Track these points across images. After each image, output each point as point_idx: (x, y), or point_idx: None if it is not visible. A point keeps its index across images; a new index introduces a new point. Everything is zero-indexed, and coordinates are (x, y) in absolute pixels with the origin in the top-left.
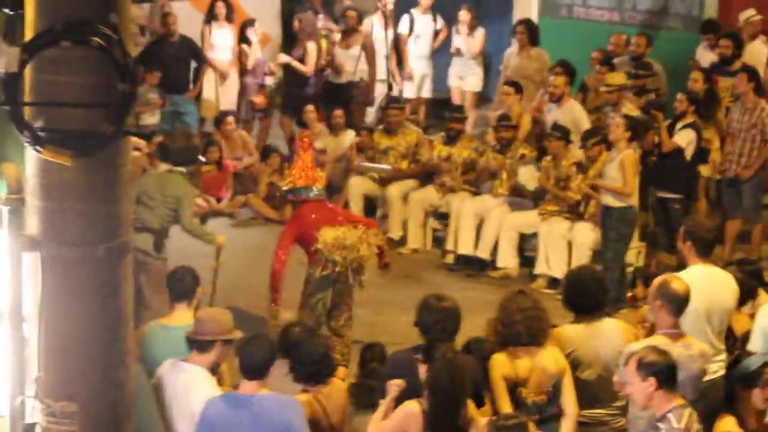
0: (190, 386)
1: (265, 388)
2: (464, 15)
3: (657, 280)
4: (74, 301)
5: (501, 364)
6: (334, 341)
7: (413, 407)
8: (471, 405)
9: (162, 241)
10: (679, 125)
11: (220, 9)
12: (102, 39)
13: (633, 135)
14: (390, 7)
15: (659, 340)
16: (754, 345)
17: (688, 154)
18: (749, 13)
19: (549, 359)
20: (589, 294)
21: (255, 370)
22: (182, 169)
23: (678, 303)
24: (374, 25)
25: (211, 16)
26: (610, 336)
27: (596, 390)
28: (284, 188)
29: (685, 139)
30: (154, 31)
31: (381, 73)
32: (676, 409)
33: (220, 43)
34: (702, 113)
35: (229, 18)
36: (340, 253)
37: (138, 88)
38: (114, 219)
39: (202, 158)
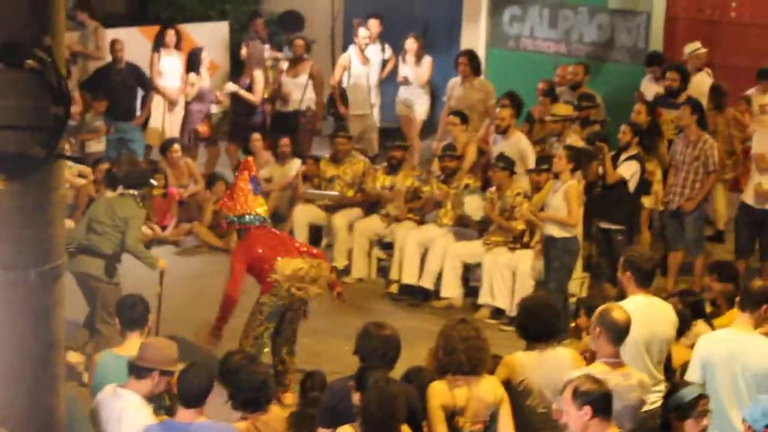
0: (124, 413)
1: (203, 416)
2: (411, 44)
3: (599, 309)
4: (5, 325)
5: (439, 393)
6: (282, 368)
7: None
8: (406, 429)
9: (114, 266)
10: (623, 157)
11: (171, 37)
12: (36, 61)
13: (576, 165)
14: (366, 41)
15: (598, 368)
16: (691, 375)
17: (632, 185)
18: (694, 46)
19: (487, 389)
20: (542, 321)
21: (193, 398)
22: (134, 192)
23: (617, 332)
24: (352, 59)
25: (159, 44)
26: (561, 365)
27: (546, 419)
28: (231, 216)
29: (629, 170)
30: (87, 55)
31: (360, 108)
32: None
33: (169, 70)
34: (645, 145)
35: (178, 46)
36: (299, 285)
37: (85, 115)
38: (46, 243)
39: (153, 181)
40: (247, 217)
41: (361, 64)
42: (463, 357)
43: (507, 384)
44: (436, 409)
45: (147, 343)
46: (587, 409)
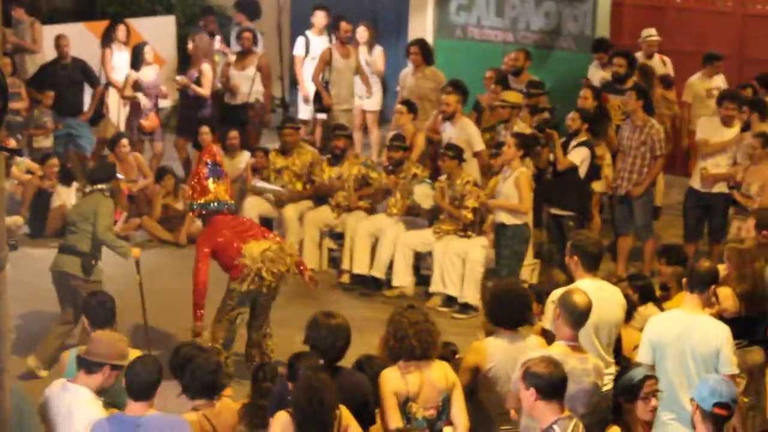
0: (74, 407)
1: (152, 409)
2: (363, 32)
3: (560, 291)
4: None
5: (391, 380)
6: (254, 353)
7: (284, 416)
8: (347, 415)
9: (91, 264)
10: (573, 143)
11: (122, 32)
12: None
13: (525, 153)
14: (349, 34)
15: (558, 350)
16: (641, 356)
17: (582, 171)
18: (649, 32)
19: (439, 374)
20: (512, 309)
21: (142, 391)
22: (103, 186)
23: (577, 315)
24: (333, 54)
25: (109, 39)
26: (530, 352)
27: None
28: (199, 202)
29: (579, 157)
30: (24, 49)
31: (346, 102)
32: (561, 421)
33: (120, 65)
34: (594, 130)
35: (127, 41)
36: (268, 266)
37: (32, 111)
38: None
39: (119, 174)
40: (211, 204)
41: (343, 58)
42: (414, 342)
43: (476, 370)
44: (389, 396)
45: (98, 338)
46: (532, 391)
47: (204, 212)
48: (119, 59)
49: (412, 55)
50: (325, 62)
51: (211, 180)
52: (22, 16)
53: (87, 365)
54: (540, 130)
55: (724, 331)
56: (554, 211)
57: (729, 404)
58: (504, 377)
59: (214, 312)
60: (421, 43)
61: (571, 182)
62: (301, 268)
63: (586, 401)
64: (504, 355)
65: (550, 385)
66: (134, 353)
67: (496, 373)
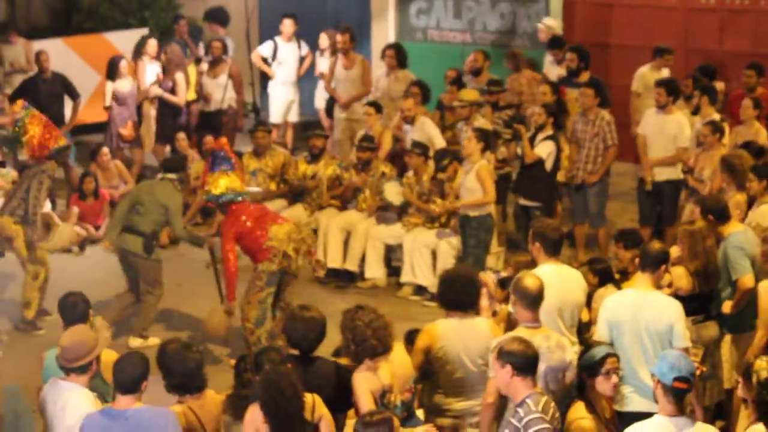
0: (67, 403)
1: (139, 402)
2: (325, 40)
3: (514, 279)
4: None
5: (364, 380)
6: (277, 331)
7: (255, 408)
8: (320, 404)
9: (151, 244)
10: (539, 137)
11: (152, 46)
12: None
13: (485, 146)
14: (340, 45)
15: (521, 332)
16: (599, 335)
17: (549, 164)
18: (549, 21)
19: (402, 359)
20: (460, 291)
21: (128, 386)
22: (173, 176)
23: (531, 297)
24: (337, 65)
25: (139, 53)
26: (480, 333)
27: (465, 384)
28: (215, 193)
29: (545, 150)
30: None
31: (354, 112)
32: (534, 395)
33: (151, 77)
34: (557, 124)
35: (157, 55)
36: (293, 245)
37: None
38: None
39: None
40: (225, 195)
41: (345, 69)
42: (374, 341)
43: (428, 351)
44: (365, 395)
45: (66, 345)
46: (509, 368)
47: (221, 202)
48: (150, 72)
49: (388, 58)
50: (332, 73)
51: (222, 171)
52: (17, 39)
53: (75, 370)
54: (508, 126)
55: (675, 306)
56: (522, 201)
57: (688, 378)
58: (453, 356)
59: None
60: (396, 47)
61: (538, 175)
62: (311, 251)
63: (556, 377)
64: (453, 335)
65: (525, 361)
66: (110, 355)
67: (446, 352)
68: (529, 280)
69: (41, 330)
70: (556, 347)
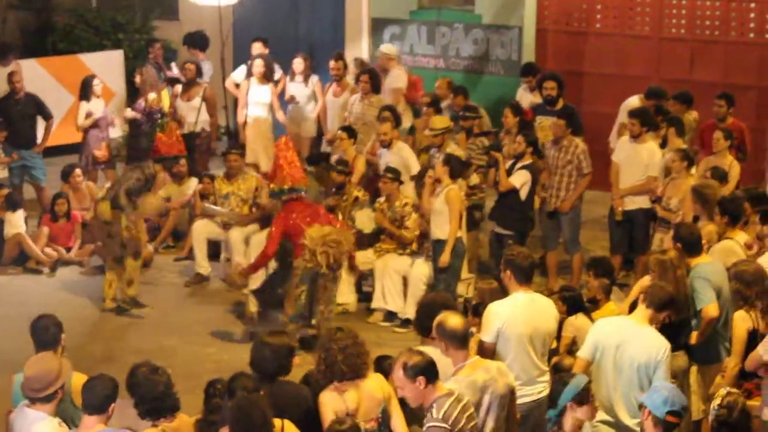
0: (33, 428)
1: (103, 424)
2: (298, 64)
3: (435, 321)
4: None
5: (330, 400)
6: (316, 333)
7: None
8: (289, 427)
9: None
10: (517, 166)
11: (258, 67)
12: None
13: (452, 171)
14: (339, 72)
15: (463, 373)
16: (582, 352)
17: (523, 194)
18: (386, 48)
19: (374, 387)
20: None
21: (96, 405)
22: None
23: (459, 337)
24: (328, 93)
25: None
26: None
27: None
28: (275, 190)
29: (520, 180)
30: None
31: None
32: (438, 399)
33: (259, 99)
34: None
35: (267, 77)
36: (324, 248)
37: None
38: None
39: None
40: (290, 190)
41: (334, 96)
42: (343, 367)
43: None
44: (329, 415)
45: (30, 375)
46: (421, 379)
47: (285, 198)
48: (257, 94)
49: (362, 83)
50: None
51: (283, 170)
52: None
53: (41, 400)
54: (486, 153)
55: (666, 347)
56: (496, 229)
57: (680, 412)
58: None
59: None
60: (371, 72)
61: (512, 204)
62: (351, 256)
63: (502, 403)
64: None
65: (432, 368)
66: (81, 378)
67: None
68: (453, 319)
69: (146, 306)
70: (498, 375)
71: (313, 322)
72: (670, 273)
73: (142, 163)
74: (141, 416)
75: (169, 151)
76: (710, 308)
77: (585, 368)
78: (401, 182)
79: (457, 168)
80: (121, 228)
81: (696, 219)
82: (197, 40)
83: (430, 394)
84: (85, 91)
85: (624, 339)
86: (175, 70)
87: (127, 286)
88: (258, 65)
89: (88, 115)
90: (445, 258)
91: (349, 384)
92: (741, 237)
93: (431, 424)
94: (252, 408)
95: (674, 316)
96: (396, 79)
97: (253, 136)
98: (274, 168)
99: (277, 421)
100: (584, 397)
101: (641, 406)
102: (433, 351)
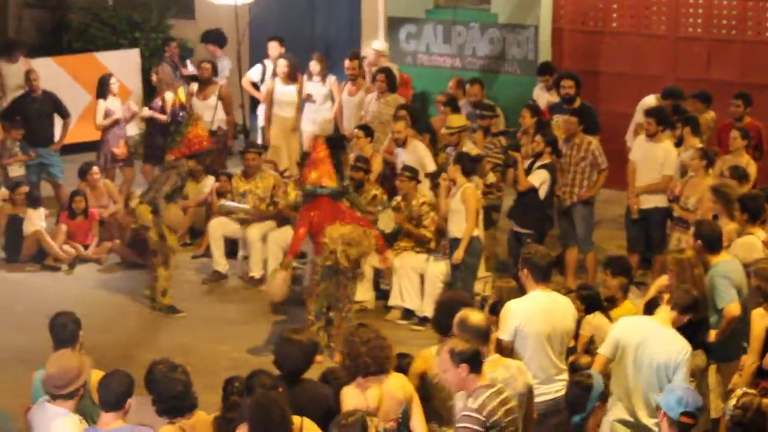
0: (52, 426)
1: (122, 421)
2: (315, 66)
3: (456, 319)
4: None
5: (351, 397)
6: (335, 331)
7: (243, 430)
8: (309, 427)
9: None
10: (536, 165)
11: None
12: None
13: (464, 169)
14: (354, 72)
15: (488, 368)
16: (603, 349)
17: (542, 193)
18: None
19: (396, 386)
20: (454, 317)
21: (112, 402)
22: None
23: (481, 334)
24: (343, 92)
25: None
26: None
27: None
28: (307, 188)
29: (538, 179)
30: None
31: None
32: (478, 389)
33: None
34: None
35: (291, 76)
36: (343, 247)
37: (5, 142)
38: None
39: None
40: (316, 189)
41: (349, 95)
42: (368, 359)
43: (422, 376)
44: None
45: (52, 374)
46: (464, 366)
47: (305, 195)
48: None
49: (378, 82)
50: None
51: (312, 167)
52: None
53: (62, 397)
54: (504, 153)
55: (686, 350)
56: (515, 228)
57: (695, 413)
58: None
59: None
60: (387, 71)
61: (531, 203)
62: (382, 249)
63: (521, 401)
64: None
65: (477, 357)
66: (99, 375)
67: (441, 379)
68: (474, 317)
69: (182, 312)
70: (518, 373)
71: (331, 314)
72: (688, 272)
73: (176, 164)
74: (158, 414)
75: (202, 146)
76: (732, 307)
77: (605, 365)
78: (419, 181)
79: (468, 165)
80: (156, 234)
81: (715, 218)
82: (215, 37)
83: (471, 382)
84: (103, 90)
85: (645, 338)
86: (190, 68)
87: (161, 296)
88: (282, 65)
89: (107, 113)
90: (458, 255)
91: (372, 380)
92: (760, 234)
93: (466, 412)
94: (271, 405)
95: (693, 315)
96: None
97: (277, 135)
98: (309, 165)
99: (296, 419)
100: (607, 396)
101: (658, 407)
102: None
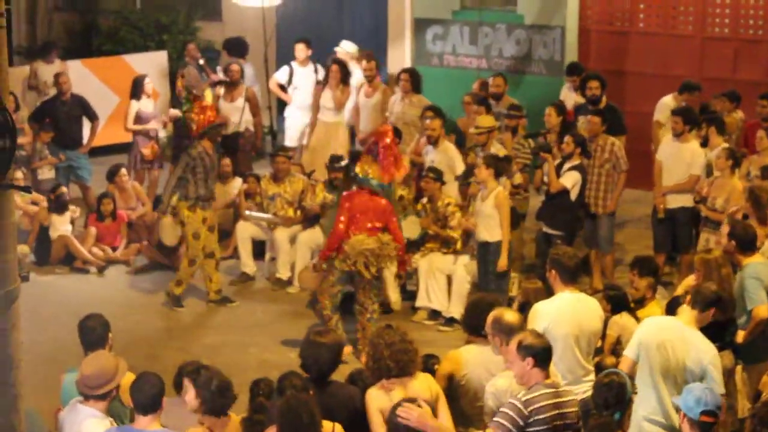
0: (84, 429)
1: (158, 423)
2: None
3: (489, 318)
4: None
5: (376, 398)
6: (361, 335)
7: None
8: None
9: None
10: (566, 166)
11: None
12: None
13: (495, 171)
14: (366, 73)
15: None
16: (628, 351)
17: (573, 195)
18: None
19: (422, 387)
20: (485, 318)
21: (147, 405)
22: None
23: (515, 332)
24: (360, 93)
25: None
26: (496, 360)
27: (481, 412)
28: (359, 176)
29: (570, 180)
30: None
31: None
32: (536, 385)
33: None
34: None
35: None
36: (363, 258)
37: (35, 145)
38: (0, 269)
39: None
40: (358, 176)
41: (366, 97)
42: (390, 362)
43: (450, 377)
44: (375, 414)
45: (87, 374)
46: (529, 360)
47: (353, 179)
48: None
49: (402, 82)
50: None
51: (367, 158)
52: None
53: (95, 398)
54: (534, 154)
55: (713, 351)
56: (545, 229)
57: (715, 411)
58: (476, 383)
59: None
60: (411, 71)
61: (562, 204)
62: (403, 259)
63: None
64: (478, 363)
65: (545, 353)
66: (129, 377)
67: (469, 380)
68: (509, 315)
69: (183, 307)
70: (552, 375)
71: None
72: (715, 272)
73: (181, 156)
74: (204, 412)
75: (209, 121)
76: (762, 309)
77: (631, 367)
78: (443, 182)
79: (498, 166)
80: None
81: (745, 217)
82: (236, 47)
83: (534, 376)
84: (136, 90)
85: (668, 339)
86: (220, 74)
87: (176, 285)
88: (335, 70)
89: (139, 114)
90: (503, 262)
91: (396, 382)
92: None
93: (513, 401)
94: (301, 407)
95: (720, 315)
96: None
97: (320, 139)
98: (370, 152)
99: (327, 424)
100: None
101: (678, 409)
102: (478, 350)
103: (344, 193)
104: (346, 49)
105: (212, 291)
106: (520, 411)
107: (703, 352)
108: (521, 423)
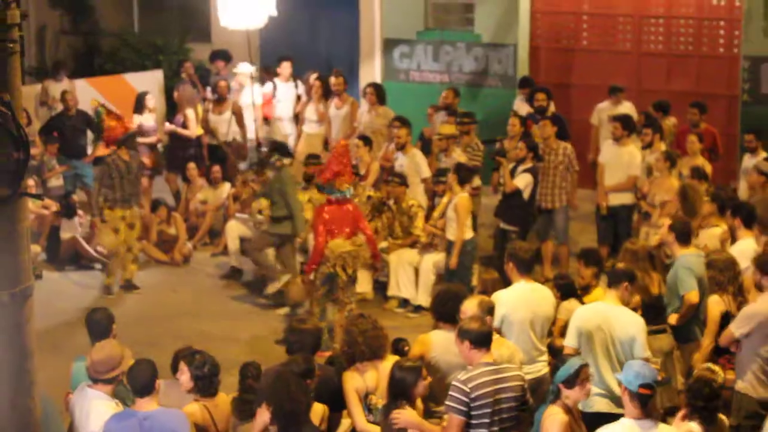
0: (92, 411)
1: (156, 403)
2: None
3: (459, 326)
4: None
5: (351, 379)
6: (336, 329)
7: (263, 410)
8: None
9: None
10: (519, 169)
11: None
12: None
13: (460, 179)
14: (335, 88)
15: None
16: (568, 341)
17: (526, 194)
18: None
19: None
20: (452, 306)
21: (142, 389)
22: (287, 160)
23: (482, 339)
24: (330, 106)
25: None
26: None
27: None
28: (324, 186)
29: (523, 181)
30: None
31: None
32: (477, 365)
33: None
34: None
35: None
36: (341, 261)
37: (42, 157)
38: (16, 268)
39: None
40: (332, 191)
41: (336, 108)
42: (363, 347)
43: (421, 359)
44: (351, 393)
45: (96, 359)
46: (467, 343)
47: (324, 192)
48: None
49: (368, 95)
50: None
51: (335, 172)
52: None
53: (102, 382)
54: (491, 158)
55: (638, 321)
56: (502, 225)
57: (652, 384)
58: (444, 365)
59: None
60: (375, 85)
61: (516, 203)
62: (376, 258)
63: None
64: (446, 347)
65: (481, 335)
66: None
67: (437, 362)
68: (474, 324)
69: (112, 295)
70: (515, 351)
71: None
72: (640, 261)
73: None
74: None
75: (122, 131)
76: (692, 295)
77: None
78: (407, 186)
79: (465, 175)
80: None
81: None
82: (221, 54)
83: (474, 357)
84: (139, 105)
85: (602, 321)
86: (209, 94)
87: (107, 276)
88: (317, 86)
89: (140, 127)
90: (453, 261)
91: (369, 365)
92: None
93: (455, 382)
94: (290, 377)
95: (644, 296)
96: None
97: (304, 149)
98: (327, 167)
99: (318, 406)
100: (572, 382)
101: (619, 383)
102: (445, 335)
103: (316, 208)
104: (243, 70)
105: (124, 278)
106: (462, 390)
107: (630, 324)
108: (467, 400)
